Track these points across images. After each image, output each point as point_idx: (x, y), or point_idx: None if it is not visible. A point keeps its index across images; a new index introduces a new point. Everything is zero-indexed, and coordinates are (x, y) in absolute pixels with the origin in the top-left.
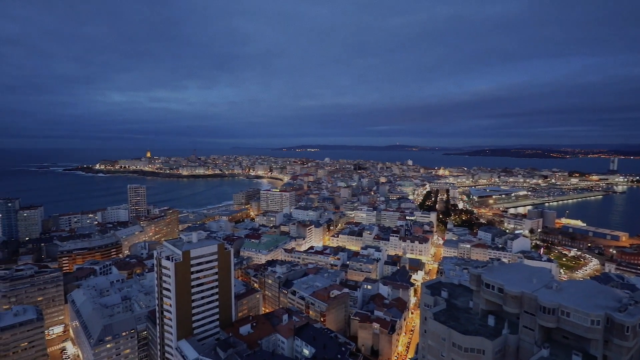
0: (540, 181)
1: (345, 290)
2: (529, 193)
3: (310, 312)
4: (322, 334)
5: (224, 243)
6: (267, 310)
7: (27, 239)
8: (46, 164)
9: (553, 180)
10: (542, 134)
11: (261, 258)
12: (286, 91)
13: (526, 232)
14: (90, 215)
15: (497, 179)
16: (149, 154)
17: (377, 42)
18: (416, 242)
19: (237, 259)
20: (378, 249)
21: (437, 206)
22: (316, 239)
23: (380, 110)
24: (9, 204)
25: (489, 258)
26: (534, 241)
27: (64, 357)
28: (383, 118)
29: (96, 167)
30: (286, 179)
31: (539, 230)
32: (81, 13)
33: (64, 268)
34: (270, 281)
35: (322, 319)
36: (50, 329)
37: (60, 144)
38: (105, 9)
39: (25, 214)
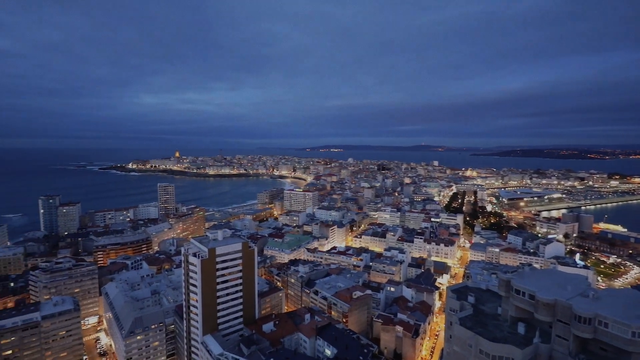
0: (576, 183)
1: (368, 291)
2: (564, 196)
3: (333, 313)
4: (344, 335)
5: (248, 241)
6: (289, 309)
7: (66, 233)
8: (84, 163)
9: (590, 183)
10: (579, 134)
11: (284, 257)
12: (310, 91)
13: (560, 237)
14: (123, 212)
15: (528, 181)
16: (177, 154)
17: (403, 41)
18: (442, 245)
19: (261, 258)
20: (402, 251)
21: (464, 208)
22: (339, 239)
23: (405, 110)
24: (50, 201)
25: (520, 263)
26: (568, 246)
27: (97, 347)
28: (408, 118)
29: (129, 167)
30: (309, 179)
31: (575, 235)
32: (116, 19)
33: (99, 262)
34: (292, 280)
35: (344, 320)
36: (85, 319)
37: (97, 144)
38: (138, 14)
39: (64, 210)
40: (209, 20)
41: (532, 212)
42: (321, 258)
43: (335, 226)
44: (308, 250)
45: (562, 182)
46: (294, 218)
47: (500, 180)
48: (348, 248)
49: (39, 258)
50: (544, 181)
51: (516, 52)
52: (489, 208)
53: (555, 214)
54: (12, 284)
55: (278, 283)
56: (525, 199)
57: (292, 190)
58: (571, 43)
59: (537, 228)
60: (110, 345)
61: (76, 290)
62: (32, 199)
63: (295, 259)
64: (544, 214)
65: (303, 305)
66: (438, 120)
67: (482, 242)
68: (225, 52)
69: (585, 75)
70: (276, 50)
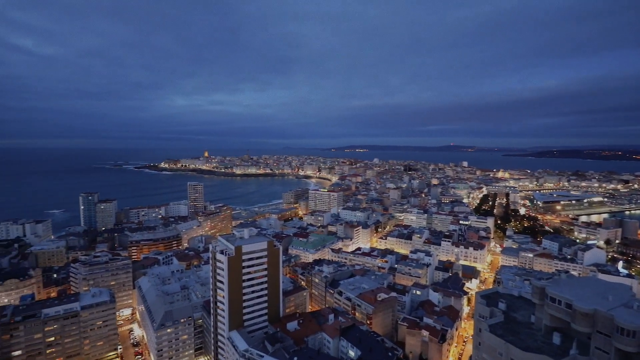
0: (619, 186)
1: (393, 294)
2: (606, 199)
3: (357, 314)
4: (368, 337)
5: (273, 240)
6: (313, 309)
7: (103, 229)
8: (120, 162)
9: (636, 186)
10: (623, 133)
11: (308, 257)
12: (336, 92)
13: (601, 243)
14: (155, 209)
15: (566, 183)
16: (206, 154)
17: (432, 39)
18: (471, 249)
19: (285, 257)
20: (428, 254)
21: (494, 211)
22: (363, 240)
23: (433, 110)
24: (90, 198)
25: (555, 270)
26: (610, 253)
27: (131, 338)
28: (437, 117)
29: (161, 166)
30: (334, 179)
31: (617, 241)
32: (152, 25)
33: (133, 257)
34: (317, 280)
35: (368, 322)
36: (120, 311)
37: (132, 144)
38: (172, 20)
39: (102, 207)
40: (237, 23)
41: (570, 216)
42: (345, 259)
43: (360, 227)
44: (332, 250)
45: (604, 185)
46: (319, 218)
47: (535, 182)
48: (373, 249)
49: (79, 251)
50: (583, 184)
51: (553, 48)
52: (522, 211)
53: (595, 218)
54: (55, 275)
55: (302, 282)
56: (562, 202)
57: (317, 190)
58: (616, 36)
59: (575, 233)
60: (143, 336)
61: (112, 283)
62: (74, 196)
63: (320, 258)
64: (583, 218)
65: (327, 306)
66: (468, 119)
67: (514, 246)
68: (253, 53)
69: (632, 72)
70: (303, 51)
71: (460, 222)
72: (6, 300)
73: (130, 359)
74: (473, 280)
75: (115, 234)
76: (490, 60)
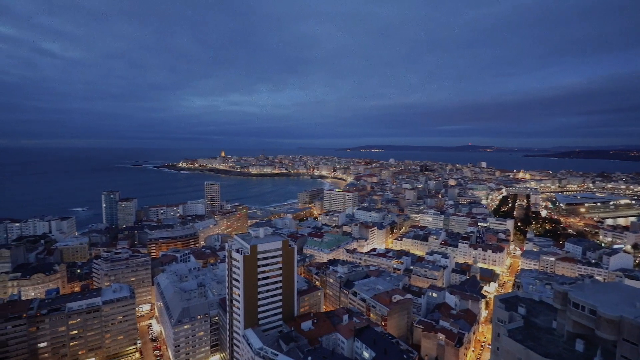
0: None
1: (408, 295)
2: (634, 202)
3: (371, 315)
4: (383, 339)
5: (288, 240)
6: (327, 309)
7: (124, 226)
8: (140, 162)
9: None
10: None
11: (323, 257)
12: (351, 92)
13: (628, 247)
14: (173, 208)
15: (590, 185)
16: (223, 154)
17: (449, 38)
18: (489, 251)
19: (300, 256)
20: (445, 256)
21: (514, 213)
22: (378, 241)
23: (451, 109)
24: (111, 196)
25: (579, 274)
26: (638, 258)
27: (149, 333)
28: (454, 117)
29: (179, 165)
30: (349, 179)
31: None
32: (172, 27)
33: (152, 254)
34: (331, 280)
35: (382, 323)
36: (140, 306)
37: (152, 144)
38: (191, 22)
39: (123, 205)
40: (254, 25)
41: (595, 219)
42: (360, 259)
43: (375, 227)
44: (347, 250)
45: (632, 187)
46: (334, 218)
47: (557, 184)
48: (388, 250)
49: (101, 248)
50: (609, 185)
51: (576, 45)
52: (543, 213)
53: (622, 221)
54: (78, 271)
55: (317, 282)
56: (586, 205)
57: (332, 190)
58: None
59: (600, 237)
60: (161, 332)
61: (132, 279)
62: (96, 194)
63: (334, 259)
64: (609, 221)
65: (341, 306)
66: (487, 119)
67: (535, 249)
68: (268, 54)
69: None
70: (318, 52)
71: (479, 223)
72: (33, 294)
73: (148, 354)
74: (491, 283)
75: (136, 232)
76: (510, 59)
